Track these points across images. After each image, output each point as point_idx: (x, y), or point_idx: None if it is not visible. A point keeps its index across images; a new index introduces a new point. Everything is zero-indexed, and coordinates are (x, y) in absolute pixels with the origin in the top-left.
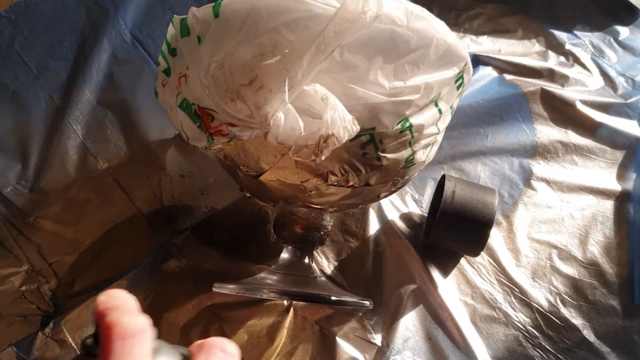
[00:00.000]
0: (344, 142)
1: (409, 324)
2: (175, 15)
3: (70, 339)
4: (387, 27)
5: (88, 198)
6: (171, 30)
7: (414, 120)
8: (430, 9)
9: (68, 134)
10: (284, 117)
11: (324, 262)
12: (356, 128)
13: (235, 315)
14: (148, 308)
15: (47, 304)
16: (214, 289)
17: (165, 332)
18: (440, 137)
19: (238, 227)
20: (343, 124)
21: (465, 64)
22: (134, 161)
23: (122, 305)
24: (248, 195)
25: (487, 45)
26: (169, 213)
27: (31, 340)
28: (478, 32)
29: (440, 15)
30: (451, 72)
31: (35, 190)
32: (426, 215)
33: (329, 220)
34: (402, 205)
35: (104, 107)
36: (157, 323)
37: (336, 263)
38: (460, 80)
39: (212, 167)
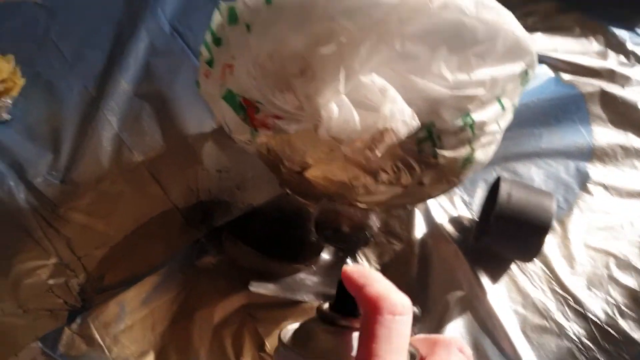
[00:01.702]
0: (402, 138)
1: (456, 332)
2: (222, 2)
3: (97, 335)
4: (453, 16)
5: (121, 191)
6: (217, 19)
7: (476, 116)
8: None
9: (103, 125)
10: (338, 109)
11: (365, 265)
12: (416, 123)
13: (270, 316)
14: (181, 305)
15: (74, 298)
16: (251, 288)
17: (197, 331)
18: (500, 137)
19: (276, 224)
20: (402, 118)
21: (531, 58)
22: (171, 155)
23: (382, 280)
24: (288, 191)
25: (542, 43)
26: (204, 208)
27: (57, 335)
28: (532, 29)
29: None
30: (517, 67)
31: (67, 182)
32: (476, 218)
33: (375, 221)
34: (450, 207)
35: (141, 98)
36: (189, 321)
37: (378, 266)
38: (525, 76)
39: (249, 163)
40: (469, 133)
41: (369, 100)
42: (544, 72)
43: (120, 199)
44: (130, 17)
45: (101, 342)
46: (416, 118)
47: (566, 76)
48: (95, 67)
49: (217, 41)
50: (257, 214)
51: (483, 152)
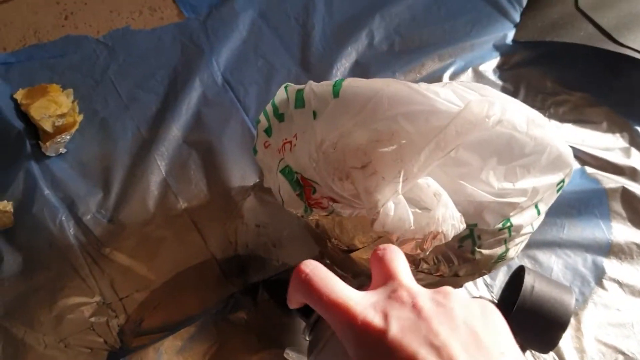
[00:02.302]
0: (450, 239)
1: None
2: (290, 84)
3: None
4: (506, 131)
5: (164, 236)
6: (281, 95)
7: (515, 220)
8: (517, 90)
9: (152, 168)
10: (394, 207)
11: None
12: (463, 226)
13: None
14: (212, 358)
15: (114, 339)
16: (286, 356)
17: None
18: (530, 235)
19: None
20: (452, 222)
21: (570, 170)
22: (213, 205)
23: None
24: (328, 262)
25: (571, 133)
26: (241, 262)
27: None
28: (563, 119)
29: (526, 97)
30: (557, 178)
31: (114, 221)
32: (496, 302)
33: None
34: (473, 289)
35: (190, 146)
36: None
37: None
38: (561, 184)
39: (287, 220)
40: (507, 234)
41: (423, 202)
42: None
43: (162, 244)
44: (186, 65)
45: None
46: (464, 221)
47: (590, 170)
48: (148, 110)
49: (280, 116)
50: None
51: (515, 250)
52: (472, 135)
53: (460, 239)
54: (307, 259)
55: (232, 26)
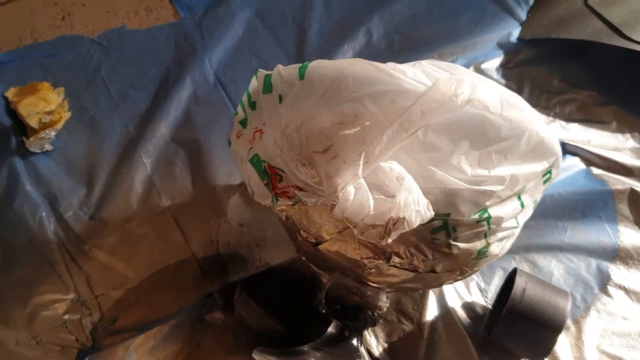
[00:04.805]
0: (414, 227)
1: None
2: (260, 70)
3: None
4: (478, 112)
5: (145, 234)
6: (254, 83)
7: (494, 211)
8: (521, 89)
9: (137, 166)
10: (354, 192)
11: (373, 341)
12: (430, 214)
13: None
14: (186, 358)
15: (86, 337)
16: (254, 355)
17: None
18: (517, 231)
19: (289, 288)
20: (416, 208)
21: (556, 159)
22: (197, 203)
23: None
24: (304, 258)
25: (577, 133)
26: (222, 261)
27: None
28: (569, 119)
29: (530, 96)
30: (540, 166)
31: (95, 219)
32: (490, 307)
33: (385, 301)
34: (465, 293)
35: (177, 144)
36: None
37: (386, 345)
38: (548, 175)
39: (271, 221)
40: (485, 227)
41: (386, 186)
42: (575, 164)
43: (143, 241)
44: (178, 64)
45: None
46: (431, 208)
47: (597, 170)
48: (138, 108)
49: (252, 105)
50: (272, 275)
51: (498, 246)
52: (439, 115)
53: (432, 230)
54: (288, 259)
55: (227, 25)
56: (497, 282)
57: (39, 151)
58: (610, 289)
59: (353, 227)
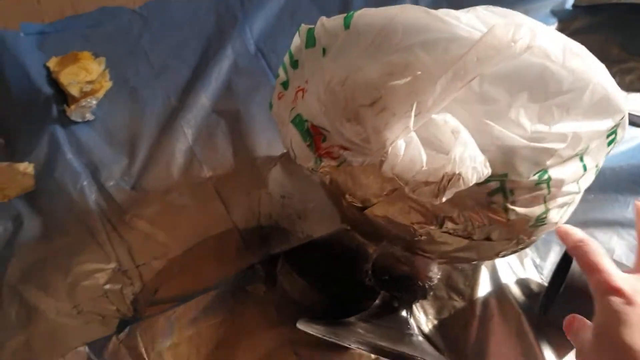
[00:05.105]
0: (471, 184)
1: None
2: (303, 25)
3: (142, 348)
4: (538, 61)
5: (186, 204)
6: (296, 41)
7: (554, 173)
8: None
9: (178, 136)
10: (405, 147)
11: (422, 318)
12: (487, 171)
13: (315, 357)
14: (227, 330)
15: (127, 307)
16: (298, 326)
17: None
18: (578, 198)
19: (333, 261)
20: (472, 164)
21: (622, 118)
22: (238, 174)
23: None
24: (348, 228)
25: (639, 103)
26: (264, 233)
27: (104, 343)
28: (630, 89)
29: None
30: (604, 124)
31: (137, 189)
32: (546, 284)
33: (436, 272)
34: (519, 269)
35: (218, 115)
36: (234, 348)
37: (435, 321)
38: (613, 136)
39: (313, 192)
40: (545, 190)
41: (439, 141)
42: (637, 136)
43: (184, 212)
44: (219, 33)
45: (145, 357)
46: (488, 165)
47: None
48: (179, 79)
49: (294, 64)
50: (315, 248)
51: (558, 213)
52: (496, 63)
53: (489, 192)
54: (331, 231)
55: None
56: (552, 258)
57: (80, 120)
58: None
59: (404, 185)
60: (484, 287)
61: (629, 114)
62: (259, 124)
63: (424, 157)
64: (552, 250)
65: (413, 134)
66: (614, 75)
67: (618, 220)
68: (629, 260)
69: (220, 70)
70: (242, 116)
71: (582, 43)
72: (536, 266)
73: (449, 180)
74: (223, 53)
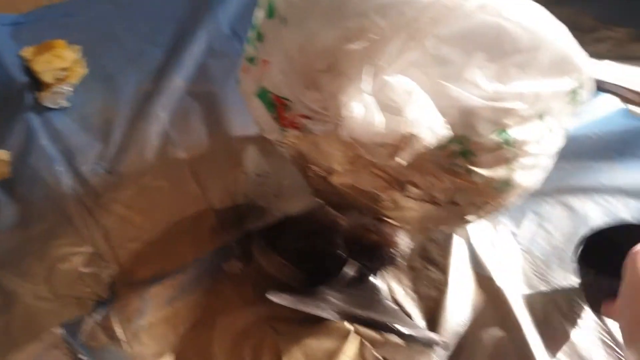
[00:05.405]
0: (429, 145)
1: None
2: None
3: (118, 328)
4: (493, 20)
5: (161, 186)
6: (259, 14)
7: (515, 133)
8: None
9: (153, 120)
10: (361, 110)
11: (397, 288)
12: (445, 131)
13: (292, 331)
14: (204, 308)
15: (103, 289)
16: (268, 296)
17: (218, 338)
18: (547, 162)
19: (306, 236)
20: (429, 125)
21: (584, 78)
22: (213, 155)
23: None
24: (321, 202)
25: (612, 71)
26: (240, 212)
27: (80, 323)
28: (603, 57)
29: None
30: (564, 84)
31: (112, 173)
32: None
33: (403, 239)
34: (494, 236)
35: (193, 97)
36: (210, 326)
37: (411, 291)
38: (576, 97)
39: (288, 170)
40: (508, 152)
41: (395, 103)
42: (610, 102)
43: (159, 194)
44: (193, 17)
45: (121, 337)
46: (446, 126)
47: (635, 108)
48: (154, 63)
49: (259, 37)
50: (290, 224)
51: (525, 176)
52: (449, 22)
53: (450, 154)
54: (306, 207)
55: None
56: (527, 224)
57: (53, 106)
58: None
59: (361, 148)
60: (458, 257)
61: (603, 82)
62: (234, 105)
63: (380, 120)
64: (526, 219)
65: (369, 98)
66: (588, 44)
67: (593, 186)
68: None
69: (194, 53)
70: (217, 98)
71: (556, 14)
72: (513, 234)
73: (405, 141)
74: (197, 37)
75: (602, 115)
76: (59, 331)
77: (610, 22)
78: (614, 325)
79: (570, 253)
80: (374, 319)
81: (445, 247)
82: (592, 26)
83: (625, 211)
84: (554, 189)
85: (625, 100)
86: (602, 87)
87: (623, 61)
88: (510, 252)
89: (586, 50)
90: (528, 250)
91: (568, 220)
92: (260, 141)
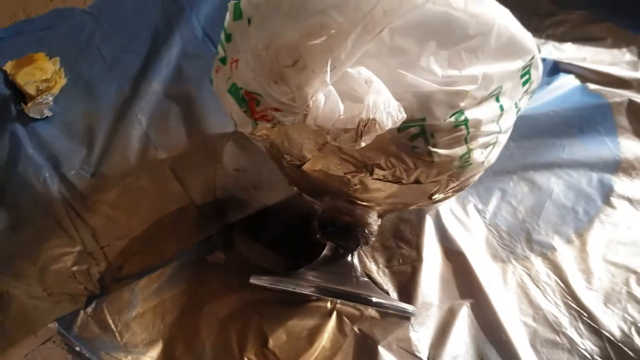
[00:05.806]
0: (387, 128)
1: (460, 340)
2: (231, 0)
3: (110, 320)
4: (442, 9)
5: (144, 186)
6: (228, 16)
7: (470, 114)
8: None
9: (133, 123)
10: (325, 99)
11: (373, 267)
12: (402, 115)
13: (275, 313)
14: (190, 297)
15: (94, 285)
16: (251, 281)
17: (204, 324)
18: (503, 138)
19: (287, 224)
20: (387, 110)
21: (533, 58)
22: (193, 153)
23: None
24: (298, 191)
25: (571, 52)
26: (220, 206)
27: (73, 317)
28: (562, 39)
29: (521, 20)
30: (514, 65)
31: (97, 176)
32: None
33: (375, 219)
34: (462, 214)
35: (170, 99)
36: (197, 314)
37: (386, 269)
38: (527, 76)
39: (266, 164)
40: (464, 131)
41: (355, 92)
42: (569, 81)
43: (143, 193)
44: (167, 23)
45: (113, 327)
46: (402, 111)
47: (593, 86)
48: (131, 69)
49: (228, 37)
50: (269, 214)
51: (482, 153)
52: (401, 13)
53: (410, 137)
54: (284, 197)
55: None
56: (495, 203)
57: (38, 117)
58: (614, 200)
59: (326, 134)
60: (429, 234)
61: (562, 62)
62: (212, 105)
63: (342, 107)
64: (493, 196)
65: (331, 87)
66: (546, 28)
67: (555, 161)
68: (568, 197)
69: (170, 57)
70: (193, 99)
71: (516, 0)
72: (479, 211)
73: (365, 126)
74: (172, 41)
75: (561, 93)
76: (54, 325)
77: (567, 6)
78: (578, 289)
79: (534, 225)
80: (350, 291)
81: (417, 226)
82: (552, 11)
83: (586, 183)
84: (518, 166)
85: (583, 78)
86: (560, 67)
87: (581, 42)
88: (478, 227)
89: (547, 33)
90: (494, 225)
91: (531, 195)
92: (237, 138)
